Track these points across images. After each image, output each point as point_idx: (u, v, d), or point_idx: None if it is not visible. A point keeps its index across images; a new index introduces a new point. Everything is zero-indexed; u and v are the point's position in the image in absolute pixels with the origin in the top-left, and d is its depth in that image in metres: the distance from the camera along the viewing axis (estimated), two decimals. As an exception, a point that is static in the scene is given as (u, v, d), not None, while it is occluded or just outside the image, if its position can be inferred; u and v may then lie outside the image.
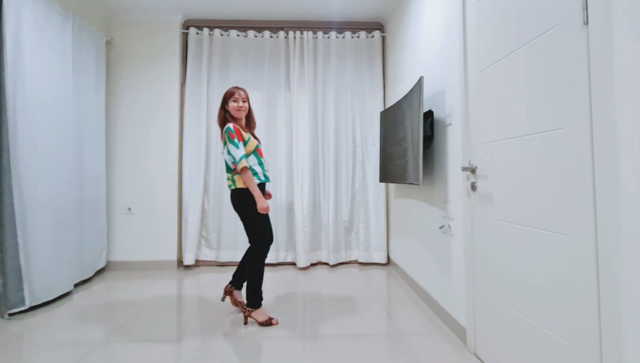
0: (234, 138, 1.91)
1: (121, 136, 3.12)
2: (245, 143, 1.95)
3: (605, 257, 0.93)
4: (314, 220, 3.23)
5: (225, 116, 2.04)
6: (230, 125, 1.94)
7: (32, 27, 2.18)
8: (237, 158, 1.88)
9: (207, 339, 1.78)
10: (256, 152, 2.02)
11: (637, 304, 0.86)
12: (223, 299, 2.18)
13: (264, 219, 1.98)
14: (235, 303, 2.15)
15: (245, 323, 1.96)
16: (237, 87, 2.03)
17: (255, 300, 1.96)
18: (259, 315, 1.96)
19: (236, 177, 1.94)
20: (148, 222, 3.11)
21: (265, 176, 2.04)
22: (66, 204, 2.42)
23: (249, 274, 1.96)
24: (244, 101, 2.03)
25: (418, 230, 2.44)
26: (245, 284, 2.11)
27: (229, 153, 1.92)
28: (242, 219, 1.98)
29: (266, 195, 2.14)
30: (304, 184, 3.16)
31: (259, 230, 1.97)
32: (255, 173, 1.97)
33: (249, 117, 2.12)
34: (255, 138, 2.09)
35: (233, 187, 1.96)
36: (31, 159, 2.15)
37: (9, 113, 2.04)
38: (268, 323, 1.94)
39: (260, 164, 2.03)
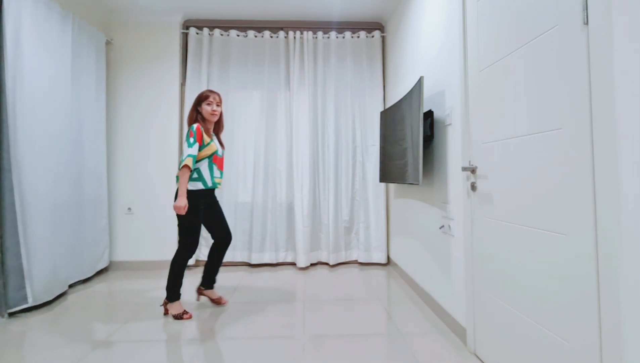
0: (191, 136, 1.97)
1: (121, 136, 3.12)
2: (202, 147, 2.01)
3: (605, 257, 0.93)
4: (313, 220, 3.23)
5: (195, 117, 2.08)
6: (194, 126, 2.00)
7: (32, 27, 2.18)
8: (184, 155, 1.94)
9: (207, 339, 1.78)
10: (211, 158, 2.06)
11: (637, 304, 0.85)
12: (198, 299, 2.29)
13: (195, 225, 2.02)
14: (212, 300, 2.25)
15: (165, 314, 2.08)
16: (211, 91, 2.09)
17: (171, 293, 2.05)
18: (173, 308, 2.05)
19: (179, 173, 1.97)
20: (148, 222, 3.10)
21: (213, 182, 2.08)
22: (66, 204, 2.42)
23: (169, 271, 2.05)
24: (217, 105, 2.09)
25: (418, 230, 2.44)
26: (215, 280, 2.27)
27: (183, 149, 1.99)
28: (177, 218, 2.02)
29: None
30: (304, 184, 3.16)
31: (185, 233, 2.01)
32: (201, 178, 2.02)
33: (219, 121, 2.18)
34: (221, 143, 2.20)
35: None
36: (31, 158, 2.15)
37: (9, 113, 2.04)
38: (180, 317, 2.02)
39: (211, 170, 2.07)
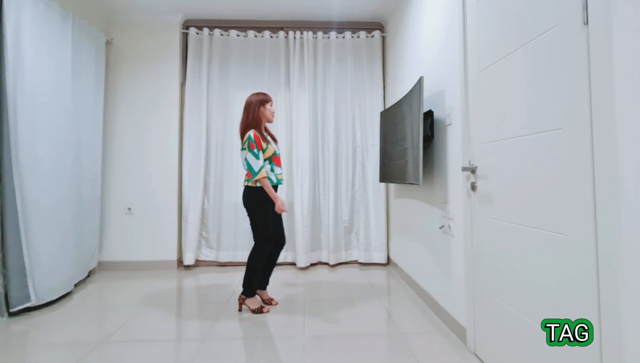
0: (254, 147, 2.02)
1: (121, 136, 3.12)
2: (263, 151, 2.07)
3: (605, 257, 0.93)
4: (314, 220, 3.23)
5: (249, 120, 2.11)
6: (252, 133, 2.04)
7: (32, 27, 2.18)
8: (256, 169, 2.01)
9: (207, 339, 1.78)
10: (270, 159, 2.13)
11: (637, 304, 0.86)
12: (240, 309, 2.17)
13: (269, 220, 2.08)
14: (264, 301, 2.27)
15: (240, 310, 2.12)
16: (266, 94, 2.17)
17: (248, 289, 2.11)
18: (252, 302, 2.11)
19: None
20: (148, 222, 3.10)
21: (277, 179, 2.15)
22: (65, 204, 2.42)
23: (247, 266, 2.11)
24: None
25: (418, 230, 2.44)
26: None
27: (247, 161, 2.03)
28: (248, 215, 2.10)
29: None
30: (304, 184, 3.16)
31: (261, 228, 2.08)
32: (268, 177, 2.08)
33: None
34: (273, 138, 2.26)
35: (246, 183, 2.09)
36: (32, 158, 2.15)
37: (10, 113, 2.04)
38: (259, 310, 2.09)
39: (272, 171, 2.15)
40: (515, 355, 1.32)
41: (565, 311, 1.07)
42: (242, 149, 2.09)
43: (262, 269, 2.22)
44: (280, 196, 3.19)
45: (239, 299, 2.13)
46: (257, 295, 2.22)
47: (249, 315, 2.09)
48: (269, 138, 2.22)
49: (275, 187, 2.16)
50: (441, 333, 1.84)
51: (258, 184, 2.05)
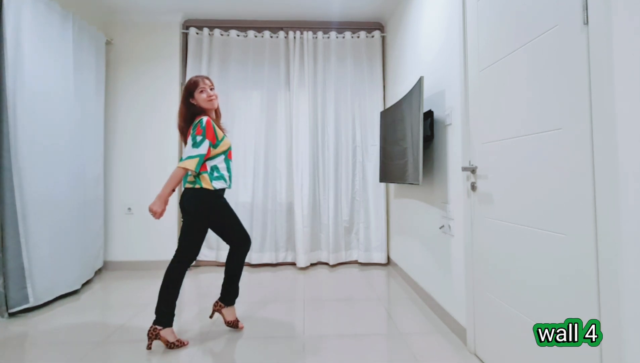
0: (199, 132, 1.64)
1: (121, 136, 3.12)
2: (217, 144, 1.72)
3: (605, 257, 0.93)
4: (313, 220, 3.23)
5: (186, 114, 1.75)
6: (204, 120, 1.67)
7: (32, 27, 2.18)
8: (186, 155, 1.63)
9: (207, 339, 1.78)
10: (226, 154, 1.79)
11: (637, 304, 0.85)
12: (211, 316, 1.93)
13: (201, 237, 1.72)
14: (227, 323, 1.89)
15: (149, 347, 1.65)
16: (198, 76, 1.77)
17: (162, 316, 1.65)
18: (168, 334, 1.66)
19: (201, 177, 1.69)
20: (148, 222, 3.10)
21: (229, 181, 1.81)
22: (66, 204, 2.42)
23: (162, 285, 1.67)
24: (211, 89, 1.77)
25: (418, 230, 2.44)
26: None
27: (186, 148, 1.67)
28: (183, 221, 1.71)
29: None
30: (304, 184, 3.16)
31: (189, 241, 1.70)
32: (222, 176, 1.75)
33: (216, 109, 1.86)
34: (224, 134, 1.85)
35: (188, 185, 1.71)
36: (32, 158, 2.15)
37: (10, 113, 2.04)
38: (176, 345, 1.67)
39: (229, 169, 1.80)
40: (515, 355, 1.32)
41: (565, 311, 1.07)
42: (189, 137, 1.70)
43: (227, 280, 1.87)
44: (279, 196, 3.22)
45: (150, 331, 1.64)
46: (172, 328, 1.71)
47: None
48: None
49: (222, 191, 1.78)
50: (441, 333, 1.84)
51: (216, 187, 1.70)
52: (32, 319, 2.04)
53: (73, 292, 2.48)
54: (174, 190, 1.67)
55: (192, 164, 1.63)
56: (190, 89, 1.74)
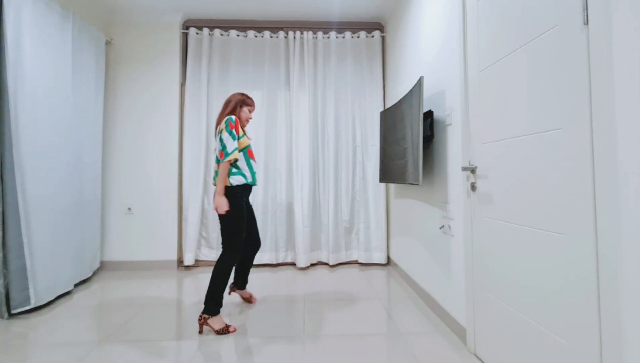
0: (232, 128, 1.88)
1: (121, 136, 3.12)
2: (239, 138, 1.94)
3: (605, 257, 0.93)
4: (313, 220, 3.23)
5: (226, 115, 2.01)
6: (233, 117, 1.92)
7: (32, 27, 2.18)
8: (230, 150, 1.85)
9: (207, 339, 1.78)
10: (246, 151, 1.98)
11: (637, 304, 0.85)
12: (229, 293, 2.27)
13: (242, 224, 1.90)
14: (244, 299, 2.30)
15: (201, 332, 1.83)
16: (251, 98, 2.09)
17: (212, 306, 1.83)
18: (216, 322, 1.84)
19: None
20: (148, 222, 3.10)
21: (253, 178, 2.00)
22: (65, 204, 2.42)
23: (211, 279, 1.85)
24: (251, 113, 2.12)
25: (418, 230, 2.44)
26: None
27: (221, 140, 1.87)
28: (219, 218, 1.90)
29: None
30: (304, 184, 3.16)
31: (232, 233, 1.88)
32: (240, 172, 1.93)
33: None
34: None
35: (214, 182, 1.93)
36: (33, 158, 2.15)
37: (11, 113, 2.04)
38: (225, 331, 1.83)
39: (249, 166, 1.99)
40: (515, 355, 1.32)
41: (565, 311, 1.07)
42: (218, 135, 1.94)
43: (239, 272, 2.19)
44: (279, 196, 3.23)
45: (200, 319, 1.83)
46: (220, 314, 1.95)
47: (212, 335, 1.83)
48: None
49: (249, 187, 1.99)
50: (441, 333, 1.84)
51: (232, 183, 1.89)
52: (32, 319, 2.03)
53: (73, 292, 2.48)
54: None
55: (236, 154, 1.87)
56: (244, 102, 2.05)
